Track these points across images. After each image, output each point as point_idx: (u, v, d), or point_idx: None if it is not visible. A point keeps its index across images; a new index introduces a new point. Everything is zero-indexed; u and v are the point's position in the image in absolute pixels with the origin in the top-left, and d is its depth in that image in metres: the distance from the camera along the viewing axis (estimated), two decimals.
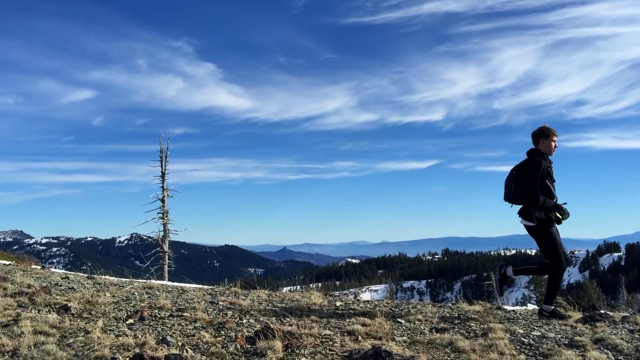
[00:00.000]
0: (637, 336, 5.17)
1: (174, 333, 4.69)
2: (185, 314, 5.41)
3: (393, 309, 6.54)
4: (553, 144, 6.18)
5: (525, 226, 6.19)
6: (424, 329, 5.41)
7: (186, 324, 5.02)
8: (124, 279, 8.86)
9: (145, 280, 8.95)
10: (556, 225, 6.15)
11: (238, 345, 4.38)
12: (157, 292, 6.87)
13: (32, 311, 5.13)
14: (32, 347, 4.01)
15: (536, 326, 5.70)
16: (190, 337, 4.57)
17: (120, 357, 3.90)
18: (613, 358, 4.42)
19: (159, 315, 5.31)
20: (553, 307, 6.31)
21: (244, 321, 5.27)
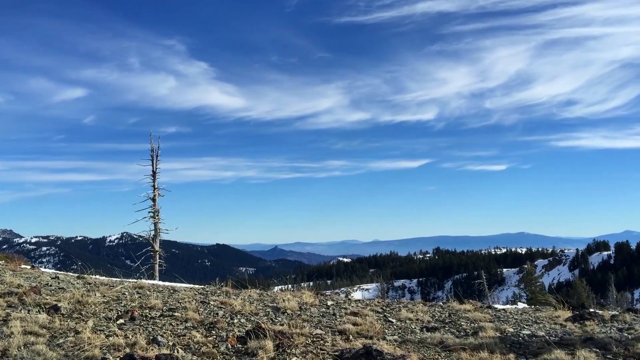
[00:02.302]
0: (626, 334, 5.22)
1: (164, 333, 4.68)
2: (176, 313, 5.40)
3: (384, 308, 6.56)
4: None
5: None
6: (415, 328, 5.44)
7: (177, 324, 5.01)
8: (114, 279, 8.82)
9: (136, 280, 8.92)
10: None
11: (229, 345, 4.38)
12: (148, 292, 6.85)
13: (22, 311, 5.10)
14: (22, 347, 3.99)
15: (526, 325, 5.73)
16: (181, 337, 4.56)
17: (111, 357, 3.89)
18: (602, 356, 4.46)
19: (149, 315, 5.29)
20: None
21: (235, 321, 5.26)
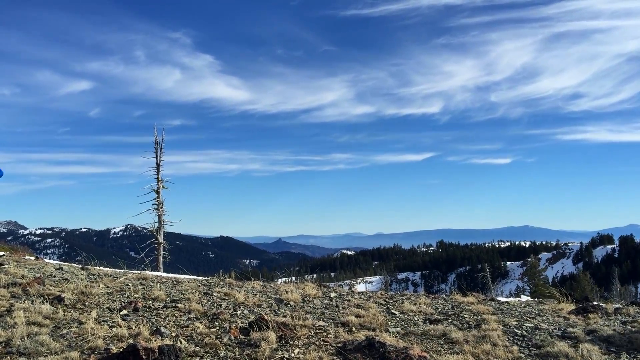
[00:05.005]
0: (629, 327, 5.20)
1: (167, 324, 4.69)
2: (179, 305, 5.41)
3: (387, 300, 6.56)
4: None
5: None
6: (418, 320, 5.43)
7: (180, 315, 5.01)
8: (118, 270, 8.84)
9: (139, 271, 8.94)
10: None
11: (232, 336, 4.38)
12: (152, 283, 6.86)
13: (26, 302, 5.12)
14: (26, 338, 4.00)
15: (529, 317, 5.72)
16: (184, 328, 4.57)
17: (114, 348, 3.90)
18: (605, 349, 4.45)
19: (153, 306, 5.30)
20: None
21: (238, 312, 5.27)
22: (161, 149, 21.70)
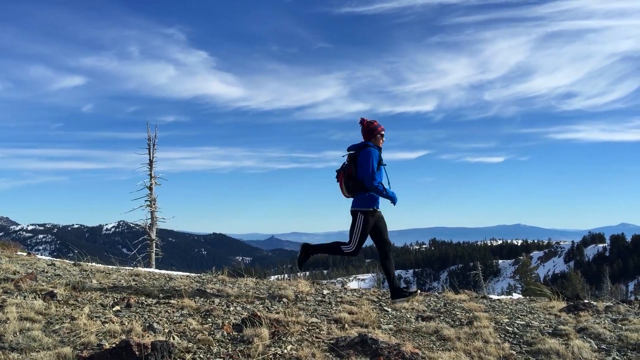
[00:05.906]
0: (620, 325, 5.25)
1: (160, 320, 4.68)
2: (172, 301, 5.40)
3: (380, 297, 6.58)
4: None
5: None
6: (410, 317, 5.46)
7: (173, 311, 5.01)
8: (110, 266, 8.82)
9: (132, 268, 8.92)
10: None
11: (225, 332, 4.39)
12: (144, 280, 6.85)
13: (18, 297, 5.10)
14: (18, 333, 3.99)
15: (521, 315, 5.76)
16: (177, 324, 4.57)
17: (107, 344, 3.89)
18: (596, 346, 4.49)
19: (145, 303, 5.30)
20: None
21: (231, 309, 5.27)
22: (154, 145, 21.67)
